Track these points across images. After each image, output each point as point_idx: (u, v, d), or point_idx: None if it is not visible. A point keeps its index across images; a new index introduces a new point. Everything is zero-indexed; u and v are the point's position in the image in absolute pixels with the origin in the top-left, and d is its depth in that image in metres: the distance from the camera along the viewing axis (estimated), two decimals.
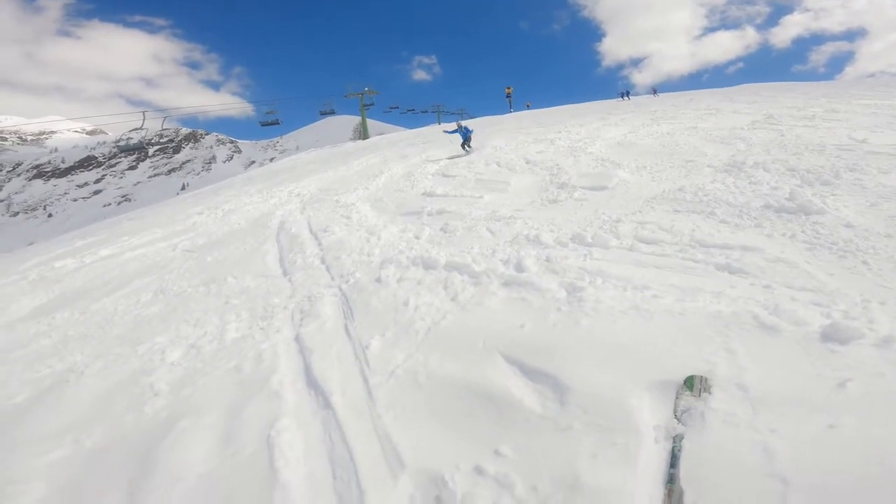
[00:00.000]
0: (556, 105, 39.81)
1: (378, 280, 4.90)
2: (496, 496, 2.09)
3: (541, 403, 2.57)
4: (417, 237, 6.32)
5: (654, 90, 38.60)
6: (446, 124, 25.84)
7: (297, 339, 4.04)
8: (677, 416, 2.32)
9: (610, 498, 1.99)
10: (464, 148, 14.72)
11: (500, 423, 2.51)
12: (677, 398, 2.40)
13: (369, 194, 10.50)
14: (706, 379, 2.48)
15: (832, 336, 2.72)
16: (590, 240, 5.00)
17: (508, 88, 52.18)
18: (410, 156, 16.09)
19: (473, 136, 17.02)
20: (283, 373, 3.53)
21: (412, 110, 57.39)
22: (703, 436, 2.20)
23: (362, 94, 42.69)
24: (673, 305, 3.35)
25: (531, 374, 2.83)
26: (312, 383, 3.29)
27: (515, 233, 5.77)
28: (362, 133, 41.82)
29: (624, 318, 3.27)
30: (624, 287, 3.74)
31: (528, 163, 10.28)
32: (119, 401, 3.56)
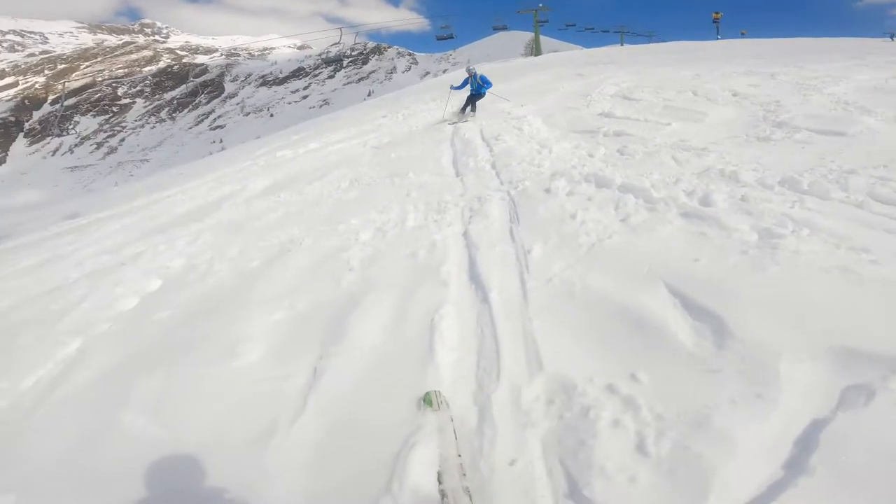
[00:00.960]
0: (783, 38, 31.71)
1: (547, 190, 4.85)
2: (618, 414, 2.05)
3: (695, 341, 2.38)
4: (591, 155, 5.98)
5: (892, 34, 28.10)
6: (462, 76, 15.37)
7: (466, 234, 4.24)
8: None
9: (732, 447, 1.82)
10: (464, 111, 10.75)
11: (645, 350, 2.40)
12: (419, 411, 2.26)
13: (540, 109, 10.09)
14: (440, 392, 2.33)
15: None
16: (805, 186, 4.06)
17: (717, 14, 43.26)
18: (587, 75, 14.75)
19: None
20: (450, 264, 3.73)
21: (591, 29, 51.62)
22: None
23: (536, 10, 39.60)
24: (894, 276, 2.66)
25: (694, 309, 2.59)
26: (475, 277, 3.45)
27: (706, 166, 5.04)
28: (535, 49, 39.42)
29: (824, 276, 2.71)
30: (837, 245, 3.03)
31: (734, 95, 8.55)
32: (323, 272, 4.02)
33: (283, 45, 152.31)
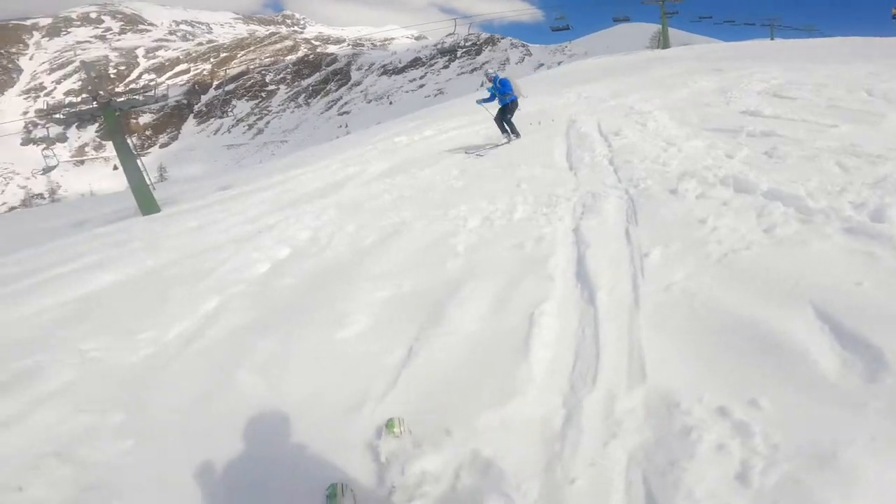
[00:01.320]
0: None
1: (673, 192, 4.37)
2: (725, 439, 1.79)
3: (840, 371, 2.00)
4: (730, 156, 5.26)
5: None
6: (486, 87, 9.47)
7: (576, 230, 4.03)
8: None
9: (853, 487, 1.52)
10: (503, 131, 8.34)
11: (774, 375, 2.06)
12: (381, 441, 2.17)
13: (668, 104, 9.17)
14: (403, 420, 2.23)
15: None
16: None
17: None
18: (726, 70, 13.07)
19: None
20: (558, 259, 3.59)
21: (731, 22, 45.31)
22: None
23: (663, 1, 35.93)
24: None
25: (846, 338, 2.16)
26: (582, 275, 3.27)
27: (881, 175, 4.12)
28: (662, 42, 36.05)
29: None
30: None
31: None
32: (430, 255, 4.10)
33: (401, 35, 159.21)
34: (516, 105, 8.29)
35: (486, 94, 8.85)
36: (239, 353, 3.13)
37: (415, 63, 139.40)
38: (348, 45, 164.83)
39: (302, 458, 2.20)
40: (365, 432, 2.26)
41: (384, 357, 2.78)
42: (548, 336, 2.68)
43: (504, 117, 8.23)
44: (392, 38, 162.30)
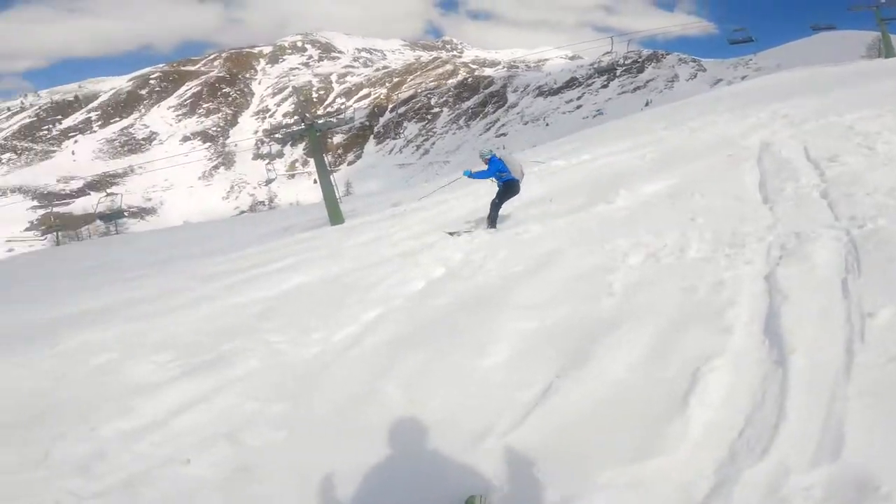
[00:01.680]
0: None
1: None
2: None
3: None
4: None
5: None
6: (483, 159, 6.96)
7: (770, 277, 3.37)
8: None
9: None
10: (491, 221, 6.42)
11: None
12: None
13: None
14: (484, 497, 2.05)
15: None
16: None
17: None
18: None
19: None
20: (740, 309, 3.06)
21: None
22: None
23: (877, 6, 28.25)
24: None
25: None
26: (772, 332, 2.72)
27: None
28: (883, 51, 28.59)
29: None
30: None
31: None
32: (581, 289, 3.88)
33: (555, 55, 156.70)
34: (517, 188, 6.67)
35: (476, 169, 7.37)
36: (388, 364, 3.35)
37: (571, 83, 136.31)
38: (503, 67, 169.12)
39: (433, 470, 2.27)
40: (483, 463, 2.25)
41: (519, 391, 2.69)
42: (714, 395, 2.34)
43: (498, 200, 6.61)
44: (546, 59, 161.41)
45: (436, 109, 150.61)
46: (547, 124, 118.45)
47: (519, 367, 2.95)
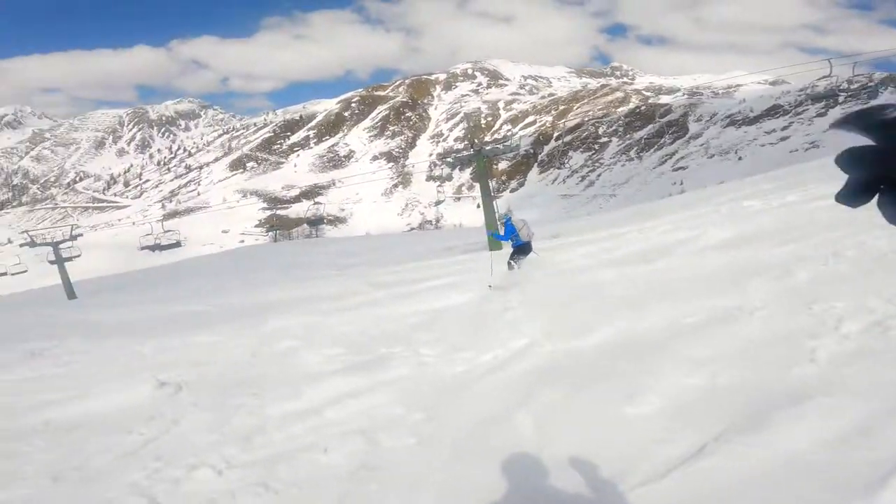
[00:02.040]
0: None
1: None
2: None
3: None
4: None
5: None
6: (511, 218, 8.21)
7: None
8: None
9: None
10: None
11: None
12: None
13: None
14: None
15: None
16: None
17: None
18: None
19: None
20: None
21: None
22: None
23: None
24: None
25: None
26: None
27: None
28: None
29: None
30: None
31: None
32: (769, 353, 3.20)
33: (750, 81, 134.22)
34: (528, 249, 7.78)
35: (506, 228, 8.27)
36: (526, 393, 3.23)
37: (773, 111, 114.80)
38: (683, 94, 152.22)
39: None
40: None
41: (665, 446, 2.38)
42: None
43: (511, 260, 7.83)
44: (738, 85, 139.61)
45: (604, 139, 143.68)
46: (740, 158, 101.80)
47: (671, 422, 2.60)
